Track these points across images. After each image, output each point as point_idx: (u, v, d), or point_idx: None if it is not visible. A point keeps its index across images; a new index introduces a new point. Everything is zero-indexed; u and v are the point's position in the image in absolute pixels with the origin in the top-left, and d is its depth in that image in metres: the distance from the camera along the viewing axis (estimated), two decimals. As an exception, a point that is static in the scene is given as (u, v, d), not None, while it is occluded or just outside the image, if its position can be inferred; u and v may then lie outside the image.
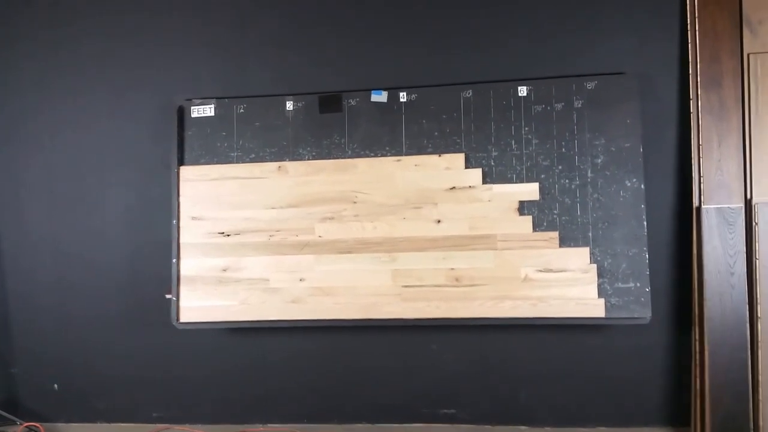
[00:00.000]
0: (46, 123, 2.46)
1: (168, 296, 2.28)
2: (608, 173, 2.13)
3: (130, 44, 2.41)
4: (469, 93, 2.20)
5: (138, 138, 2.40)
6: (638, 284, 2.11)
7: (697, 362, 2.15)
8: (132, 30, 2.40)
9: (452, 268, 2.18)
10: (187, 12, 2.38)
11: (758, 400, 2.09)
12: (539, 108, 2.17)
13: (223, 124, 2.28)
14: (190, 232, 2.27)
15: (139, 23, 2.40)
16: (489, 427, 2.32)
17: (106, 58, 2.42)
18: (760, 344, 2.09)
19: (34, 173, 2.47)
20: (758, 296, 2.09)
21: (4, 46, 2.47)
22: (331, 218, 2.23)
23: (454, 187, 2.19)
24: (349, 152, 2.24)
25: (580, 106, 2.15)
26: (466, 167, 2.19)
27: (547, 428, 2.30)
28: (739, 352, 2.10)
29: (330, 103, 2.25)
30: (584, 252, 2.14)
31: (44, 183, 2.46)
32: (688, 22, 2.17)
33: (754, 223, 2.10)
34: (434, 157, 2.21)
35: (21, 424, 2.44)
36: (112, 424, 2.48)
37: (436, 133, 2.21)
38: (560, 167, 2.16)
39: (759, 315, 2.09)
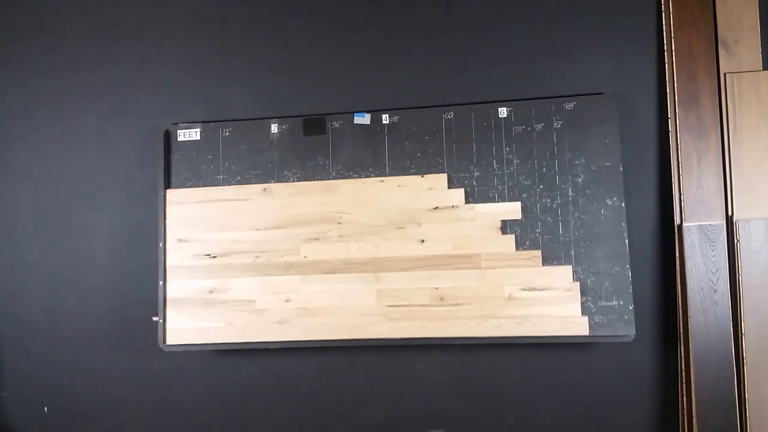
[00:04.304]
0: (34, 149, 2.49)
1: (155, 319, 2.29)
2: (589, 192, 2.16)
3: (116, 70, 2.45)
4: (450, 115, 2.23)
5: (124, 162, 2.44)
6: (621, 302, 2.12)
7: (683, 380, 2.15)
8: (118, 56, 2.45)
9: (437, 288, 2.19)
10: (172, 37, 2.43)
11: (745, 417, 2.08)
12: (519, 129, 2.20)
13: (208, 148, 2.32)
14: (177, 255, 2.29)
15: (125, 49, 2.45)
16: (477, 447, 2.31)
17: (92, 84, 2.46)
18: (745, 361, 2.09)
19: (21, 199, 2.50)
20: (742, 313, 2.10)
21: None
22: (316, 239, 2.25)
23: (437, 207, 2.22)
24: (333, 174, 2.27)
25: (559, 126, 2.18)
26: (449, 187, 2.22)
27: (535, 448, 2.29)
28: (725, 369, 2.09)
29: (314, 125, 2.29)
30: (567, 270, 2.15)
31: (32, 208, 2.49)
32: (665, 42, 2.21)
33: (735, 240, 2.11)
34: (417, 178, 2.23)
35: (9, 448, 2.45)
36: (101, 447, 2.49)
37: (418, 154, 2.24)
38: (541, 186, 2.18)
39: (743, 332, 2.09)
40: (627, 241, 2.12)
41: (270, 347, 2.26)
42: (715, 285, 2.12)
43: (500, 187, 2.20)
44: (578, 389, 2.26)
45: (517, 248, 2.17)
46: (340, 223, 2.25)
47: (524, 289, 2.16)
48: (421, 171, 2.23)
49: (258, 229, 2.28)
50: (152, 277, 2.31)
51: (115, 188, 2.44)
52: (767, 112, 2.13)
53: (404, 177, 2.23)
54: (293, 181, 2.28)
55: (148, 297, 2.34)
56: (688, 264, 2.13)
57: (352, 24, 2.35)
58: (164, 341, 2.28)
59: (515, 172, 2.20)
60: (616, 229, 2.13)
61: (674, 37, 2.19)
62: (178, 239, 2.30)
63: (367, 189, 2.24)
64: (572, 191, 2.16)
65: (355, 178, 2.25)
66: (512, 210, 2.18)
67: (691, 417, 2.11)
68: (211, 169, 2.31)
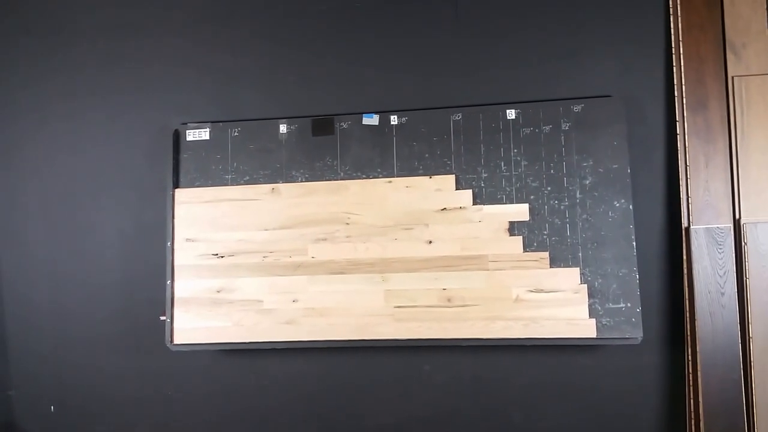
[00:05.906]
0: (43, 148, 2.50)
1: (162, 318, 2.29)
2: (596, 194, 2.16)
3: (125, 70, 2.47)
4: (458, 116, 2.24)
5: (133, 162, 2.45)
6: (629, 304, 2.12)
7: (690, 383, 2.15)
8: (128, 55, 2.47)
9: (444, 289, 2.20)
10: (182, 37, 2.44)
11: (753, 421, 2.08)
12: (527, 130, 2.21)
13: (217, 147, 2.33)
14: (185, 254, 2.30)
15: (134, 49, 2.46)
16: (483, 449, 2.31)
17: (101, 83, 2.47)
18: (753, 365, 2.08)
19: (31, 198, 2.51)
20: (749, 316, 2.10)
21: (3, 73, 2.54)
22: (324, 239, 2.26)
23: (444, 208, 2.22)
24: (342, 174, 2.28)
25: (567, 128, 2.19)
26: (457, 188, 2.22)
27: (541, 450, 2.29)
28: (732, 372, 2.09)
29: (323, 126, 2.30)
30: (575, 272, 2.15)
31: (41, 207, 2.50)
32: (673, 46, 2.21)
33: (743, 243, 2.11)
34: (425, 179, 2.24)
35: (15, 447, 2.45)
36: (107, 447, 2.49)
37: (426, 155, 2.25)
38: (549, 188, 2.18)
39: (751, 335, 2.09)
40: (634, 243, 2.12)
41: (277, 347, 2.26)
42: (722, 288, 2.12)
43: (508, 189, 2.20)
44: (585, 391, 2.26)
45: (524, 250, 2.18)
46: (347, 223, 2.25)
47: (532, 291, 2.16)
48: (429, 172, 2.24)
49: (266, 229, 2.28)
50: (160, 277, 2.32)
51: (124, 187, 2.45)
52: (775, 115, 2.14)
53: (412, 178, 2.24)
54: (301, 181, 2.29)
55: (155, 296, 2.34)
56: (696, 267, 2.13)
57: (361, 25, 2.37)
58: (171, 341, 2.28)
59: (523, 173, 2.20)
60: (623, 231, 2.13)
61: (682, 41, 2.19)
62: (186, 239, 2.31)
63: (375, 190, 2.25)
64: (580, 193, 2.17)
65: (363, 178, 2.26)
66: (520, 211, 2.19)
67: (699, 420, 2.10)
68: (220, 168, 2.32)
